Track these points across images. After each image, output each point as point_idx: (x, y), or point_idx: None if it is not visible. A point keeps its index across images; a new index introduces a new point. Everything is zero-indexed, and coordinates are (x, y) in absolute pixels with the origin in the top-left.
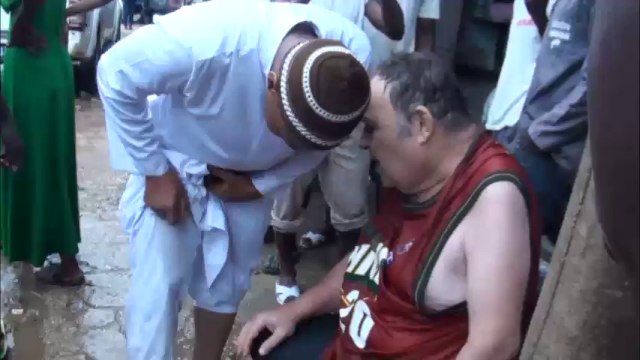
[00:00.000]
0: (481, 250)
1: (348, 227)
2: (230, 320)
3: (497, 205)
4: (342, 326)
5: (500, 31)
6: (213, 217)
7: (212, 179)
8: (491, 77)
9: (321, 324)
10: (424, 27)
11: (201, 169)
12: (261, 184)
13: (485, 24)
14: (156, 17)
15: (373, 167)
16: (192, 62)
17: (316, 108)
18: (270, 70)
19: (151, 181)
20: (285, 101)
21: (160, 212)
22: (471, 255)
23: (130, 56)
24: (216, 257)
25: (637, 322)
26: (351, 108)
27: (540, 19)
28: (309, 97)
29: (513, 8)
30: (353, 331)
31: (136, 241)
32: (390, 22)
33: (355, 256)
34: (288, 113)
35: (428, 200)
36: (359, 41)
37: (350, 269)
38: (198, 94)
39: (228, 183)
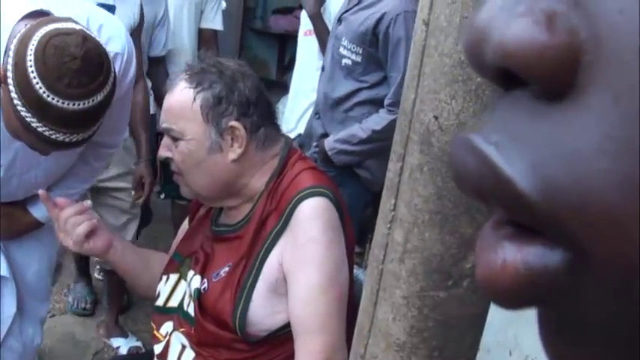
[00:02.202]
0: (300, 268)
1: None
2: None
3: (313, 221)
4: None
5: (281, 41)
6: None
7: None
8: (275, 87)
9: None
10: (206, 38)
11: None
12: (39, 211)
13: (265, 35)
14: None
15: (166, 182)
16: None
17: (47, 96)
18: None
19: None
20: (13, 93)
21: None
22: (290, 274)
23: None
24: (3, 309)
25: (463, 319)
26: (90, 92)
27: (321, 31)
28: (37, 83)
29: (291, 20)
30: None
31: None
32: None
33: (164, 287)
34: (19, 107)
35: (240, 221)
36: (111, 29)
37: (160, 302)
38: None
39: (3, 217)
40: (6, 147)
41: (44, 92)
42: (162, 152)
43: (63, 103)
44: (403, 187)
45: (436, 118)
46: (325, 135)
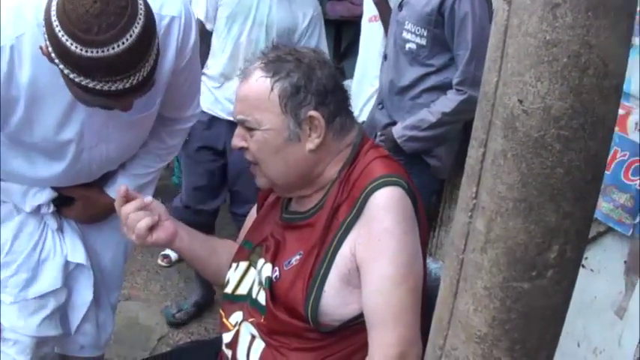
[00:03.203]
0: (374, 260)
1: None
2: None
3: (386, 212)
4: (228, 352)
5: (337, 27)
6: (72, 250)
7: (62, 201)
8: None
9: (201, 356)
10: None
11: (47, 194)
12: (115, 192)
13: None
14: None
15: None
16: None
17: (86, 51)
18: None
19: None
20: (59, 64)
21: None
22: (364, 266)
23: None
24: (80, 296)
25: (546, 311)
26: (124, 28)
27: (387, 16)
28: (71, 44)
29: (347, 5)
30: (241, 356)
31: None
32: None
33: (233, 275)
34: (71, 75)
35: (311, 209)
36: None
37: (229, 289)
38: None
39: (80, 200)
40: (70, 120)
41: (82, 49)
42: (237, 142)
43: (103, 51)
44: (485, 174)
45: (520, 101)
46: (390, 124)
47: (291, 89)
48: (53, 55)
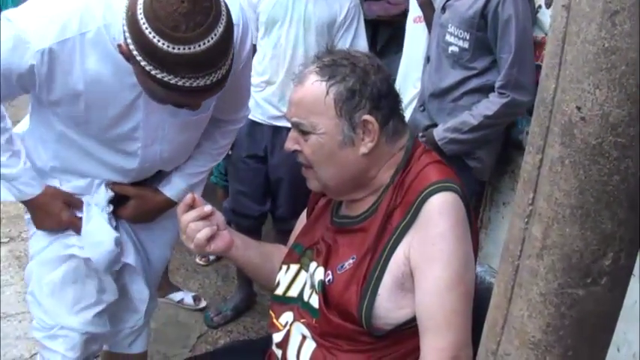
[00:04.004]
0: (428, 264)
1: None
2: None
3: (442, 217)
4: (278, 352)
5: (373, 27)
6: (125, 250)
7: (117, 202)
8: None
9: (249, 355)
10: None
11: (104, 193)
12: (170, 190)
13: None
14: (3, 14)
15: None
16: (32, 55)
17: (173, 48)
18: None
19: (32, 206)
20: (142, 62)
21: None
22: (418, 269)
23: None
24: (138, 293)
25: (599, 318)
26: (209, 27)
27: (430, 18)
28: (158, 41)
29: (384, 5)
30: (291, 356)
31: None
32: None
33: (284, 277)
34: (153, 73)
35: (363, 213)
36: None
37: (280, 291)
38: (54, 93)
39: (135, 198)
40: (127, 117)
41: (169, 46)
42: (290, 145)
43: (189, 48)
44: (542, 180)
45: (579, 108)
46: (431, 126)
47: (347, 93)
48: (135, 52)
